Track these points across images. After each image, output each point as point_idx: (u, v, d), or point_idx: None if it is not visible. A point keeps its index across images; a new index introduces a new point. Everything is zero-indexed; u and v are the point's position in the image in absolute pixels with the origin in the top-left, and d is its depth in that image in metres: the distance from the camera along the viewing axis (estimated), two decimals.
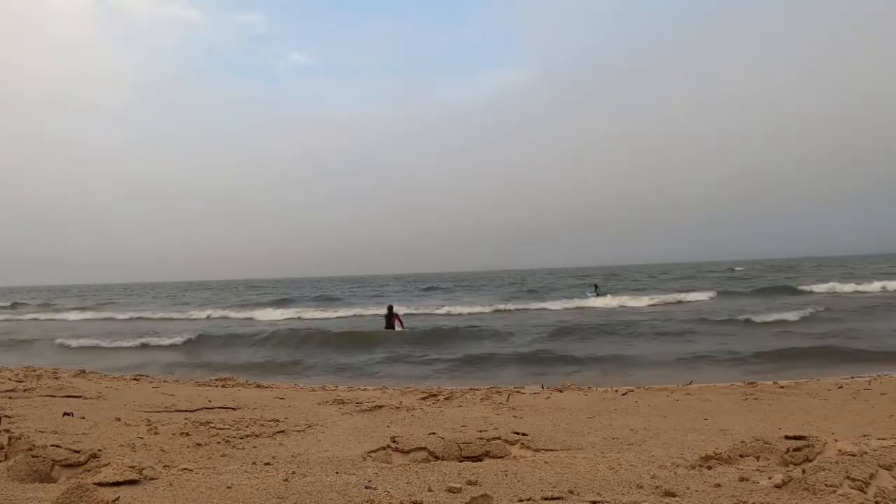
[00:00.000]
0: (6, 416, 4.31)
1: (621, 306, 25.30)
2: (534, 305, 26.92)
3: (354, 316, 25.05)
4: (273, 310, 28.06)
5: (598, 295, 34.99)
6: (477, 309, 26.03)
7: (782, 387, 7.19)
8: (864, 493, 2.18)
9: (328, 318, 24.58)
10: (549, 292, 39.28)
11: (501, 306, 26.97)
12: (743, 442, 3.04)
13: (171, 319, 27.49)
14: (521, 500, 2.40)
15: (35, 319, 30.38)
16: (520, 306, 26.78)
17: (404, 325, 18.72)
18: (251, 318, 25.80)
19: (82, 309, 35.51)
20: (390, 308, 19.52)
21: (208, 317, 27.64)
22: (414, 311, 24.90)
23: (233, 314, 28.15)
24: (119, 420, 4.48)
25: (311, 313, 26.48)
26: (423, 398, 6.50)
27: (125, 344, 17.09)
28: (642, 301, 26.20)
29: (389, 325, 18.50)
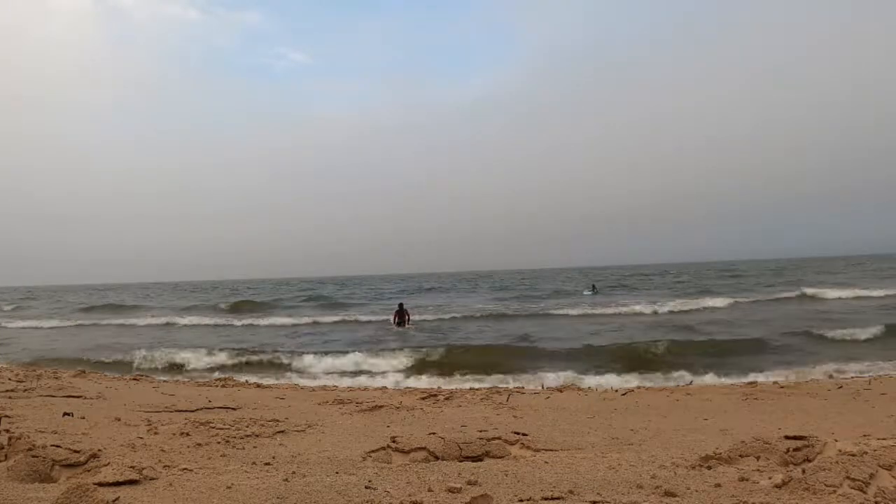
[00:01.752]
0: (6, 416, 4.31)
1: (704, 307, 22.88)
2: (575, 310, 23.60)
3: (354, 321, 23.94)
4: (278, 318, 25.55)
5: (595, 293, 35.42)
6: (510, 310, 24.35)
7: (782, 387, 7.19)
8: (864, 493, 2.18)
9: (337, 322, 23.42)
10: (563, 292, 39.00)
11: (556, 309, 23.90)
12: (743, 442, 3.04)
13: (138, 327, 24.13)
14: (521, 500, 2.40)
15: None
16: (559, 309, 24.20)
17: (411, 322, 19.62)
18: (255, 325, 23.59)
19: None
20: (401, 305, 20.39)
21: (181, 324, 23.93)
22: (428, 317, 23.04)
23: (236, 321, 25.15)
24: (119, 420, 4.48)
25: (319, 318, 25.33)
26: (423, 398, 6.49)
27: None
28: (718, 302, 23.87)
29: (401, 323, 19.37)
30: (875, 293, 25.06)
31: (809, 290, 27.00)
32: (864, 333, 13.44)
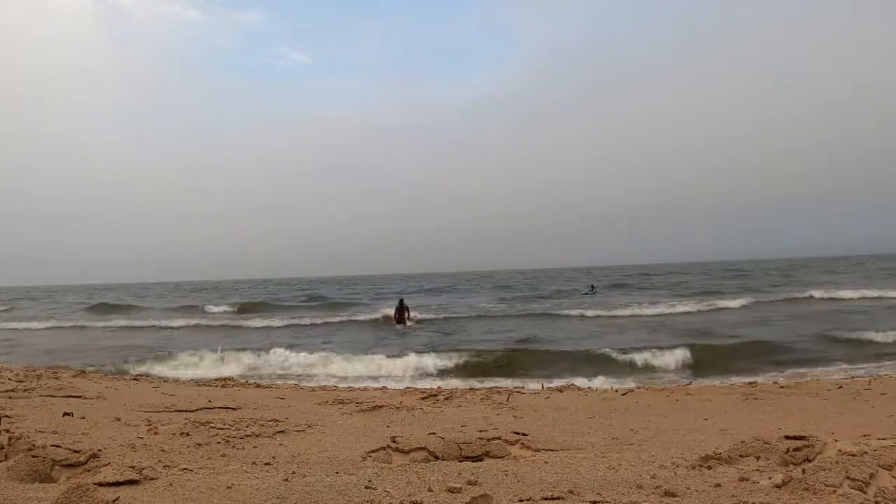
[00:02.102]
0: (6, 416, 4.31)
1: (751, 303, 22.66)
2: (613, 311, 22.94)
3: (354, 321, 23.19)
4: (278, 318, 25.07)
5: (594, 294, 35.55)
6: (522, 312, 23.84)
7: (782, 387, 7.19)
8: (864, 493, 2.18)
9: (338, 322, 23.10)
10: (563, 293, 38.88)
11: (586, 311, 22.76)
12: (743, 442, 3.04)
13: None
14: (521, 500, 2.40)
15: None
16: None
17: (411, 320, 19.28)
18: (244, 325, 23.04)
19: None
20: (401, 301, 19.81)
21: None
22: (429, 317, 22.43)
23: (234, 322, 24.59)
24: (119, 420, 4.48)
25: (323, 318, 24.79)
26: (423, 398, 6.49)
27: None
28: (728, 303, 23.14)
29: (401, 320, 18.91)
30: (890, 294, 24.70)
31: (819, 291, 26.46)
32: (886, 337, 13.06)
